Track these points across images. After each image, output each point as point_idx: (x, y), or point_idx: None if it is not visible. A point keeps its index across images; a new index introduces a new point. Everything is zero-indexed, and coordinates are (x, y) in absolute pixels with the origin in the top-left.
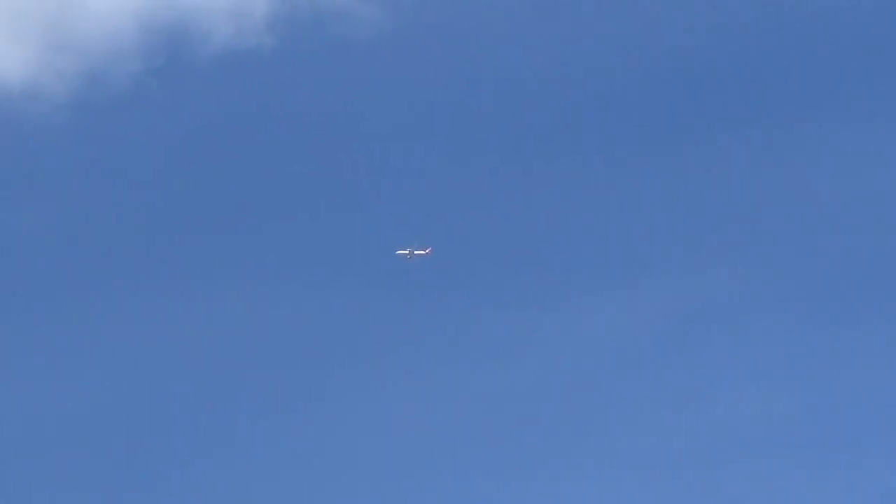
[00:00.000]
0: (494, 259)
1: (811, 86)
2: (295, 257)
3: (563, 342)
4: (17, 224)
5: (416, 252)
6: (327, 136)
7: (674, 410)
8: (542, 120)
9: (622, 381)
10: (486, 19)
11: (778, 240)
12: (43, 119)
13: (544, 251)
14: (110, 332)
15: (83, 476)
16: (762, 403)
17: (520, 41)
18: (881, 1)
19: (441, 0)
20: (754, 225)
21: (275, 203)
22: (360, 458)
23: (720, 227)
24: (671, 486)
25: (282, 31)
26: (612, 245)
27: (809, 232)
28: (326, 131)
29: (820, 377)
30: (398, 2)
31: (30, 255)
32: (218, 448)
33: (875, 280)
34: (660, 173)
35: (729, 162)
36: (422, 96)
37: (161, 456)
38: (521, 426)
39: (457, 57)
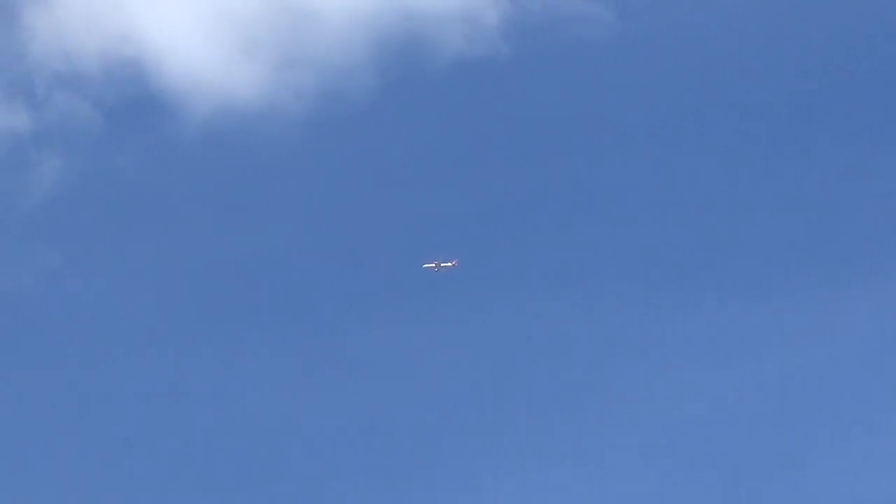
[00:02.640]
0: (739, 253)
1: None
2: (542, 264)
3: (811, 335)
4: (257, 244)
5: (443, 265)
6: (566, 140)
7: None
8: (778, 118)
9: (869, 374)
10: (718, 18)
11: None
12: (280, 138)
13: (790, 244)
14: (363, 347)
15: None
16: None
17: (753, 40)
18: None
19: None
20: None
21: (516, 211)
22: (621, 458)
23: None
24: None
25: (515, 37)
26: (852, 238)
27: None
28: (565, 135)
29: None
30: (629, 2)
31: (272, 273)
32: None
33: None
34: None
35: None
36: (658, 97)
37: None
38: (776, 421)
39: (691, 57)
